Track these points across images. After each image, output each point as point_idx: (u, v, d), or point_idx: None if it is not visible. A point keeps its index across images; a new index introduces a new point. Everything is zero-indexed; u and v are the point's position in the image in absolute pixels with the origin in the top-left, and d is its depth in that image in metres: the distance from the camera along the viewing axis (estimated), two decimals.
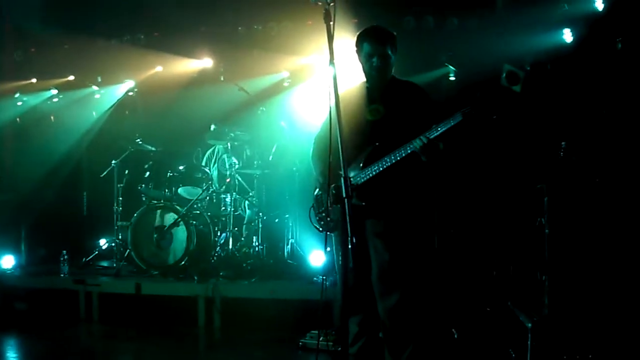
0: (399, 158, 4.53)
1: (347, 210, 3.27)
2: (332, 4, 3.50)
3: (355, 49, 4.85)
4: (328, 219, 4.75)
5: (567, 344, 5.16)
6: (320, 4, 3.51)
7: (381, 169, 4.60)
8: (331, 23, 3.49)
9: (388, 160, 4.57)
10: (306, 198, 8.50)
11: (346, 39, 5.36)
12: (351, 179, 4.52)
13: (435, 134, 4.44)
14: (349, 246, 3.25)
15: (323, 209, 4.81)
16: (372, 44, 4.71)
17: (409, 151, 4.49)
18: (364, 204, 4.61)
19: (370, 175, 4.63)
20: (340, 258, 4.68)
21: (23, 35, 9.94)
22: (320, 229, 4.86)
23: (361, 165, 4.66)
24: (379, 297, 4.75)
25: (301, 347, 6.28)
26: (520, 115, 6.60)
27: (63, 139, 10.59)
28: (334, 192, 4.63)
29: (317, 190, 4.99)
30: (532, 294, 5.79)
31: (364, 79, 4.89)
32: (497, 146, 7.62)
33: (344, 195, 3.32)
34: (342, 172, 3.37)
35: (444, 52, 8.67)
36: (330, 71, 3.46)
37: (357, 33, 4.87)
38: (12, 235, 9.54)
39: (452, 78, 8.69)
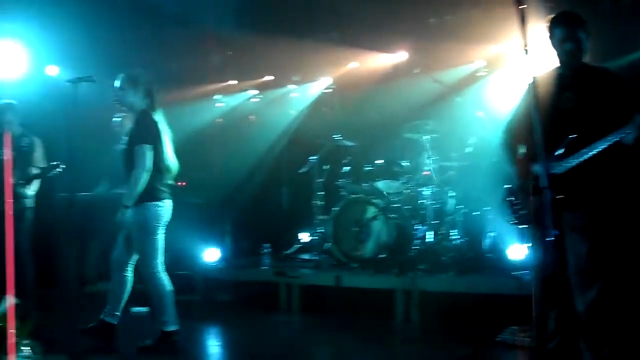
0: (610, 143, 4.27)
1: (546, 202, 3.11)
2: None
3: (547, 34, 4.73)
4: (522, 211, 4.63)
5: None
6: None
7: (582, 159, 4.41)
8: (522, 7, 3.37)
9: (588, 150, 4.37)
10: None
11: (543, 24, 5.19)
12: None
13: None
14: (547, 239, 3.10)
15: (517, 201, 4.69)
16: (564, 29, 4.61)
17: (625, 134, 4.22)
18: (562, 196, 4.36)
19: (570, 166, 4.45)
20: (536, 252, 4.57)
21: (219, 39, 10.41)
22: (516, 222, 4.72)
23: (559, 155, 4.48)
24: (577, 292, 4.53)
25: (499, 342, 6.09)
26: None
27: (263, 138, 10.98)
28: (532, 182, 4.46)
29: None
30: None
31: (557, 66, 4.74)
32: None
33: (543, 186, 3.16)
34: (538, 163, 3.22)
35: None
36: (526, 59, 3.34)
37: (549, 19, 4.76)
38: (218, 229, 9.99)
39: None
